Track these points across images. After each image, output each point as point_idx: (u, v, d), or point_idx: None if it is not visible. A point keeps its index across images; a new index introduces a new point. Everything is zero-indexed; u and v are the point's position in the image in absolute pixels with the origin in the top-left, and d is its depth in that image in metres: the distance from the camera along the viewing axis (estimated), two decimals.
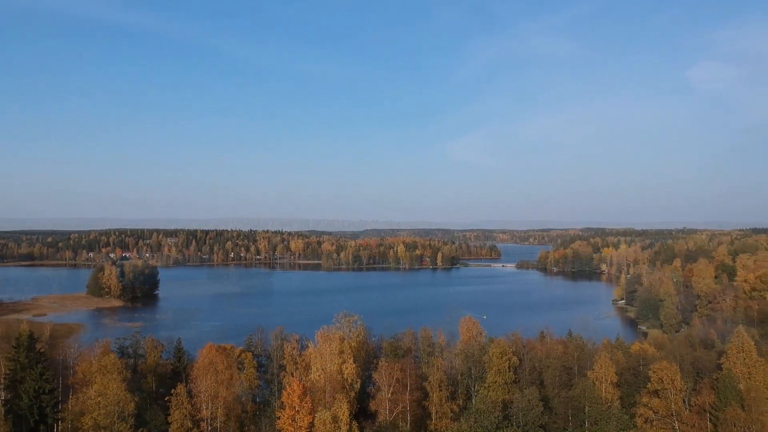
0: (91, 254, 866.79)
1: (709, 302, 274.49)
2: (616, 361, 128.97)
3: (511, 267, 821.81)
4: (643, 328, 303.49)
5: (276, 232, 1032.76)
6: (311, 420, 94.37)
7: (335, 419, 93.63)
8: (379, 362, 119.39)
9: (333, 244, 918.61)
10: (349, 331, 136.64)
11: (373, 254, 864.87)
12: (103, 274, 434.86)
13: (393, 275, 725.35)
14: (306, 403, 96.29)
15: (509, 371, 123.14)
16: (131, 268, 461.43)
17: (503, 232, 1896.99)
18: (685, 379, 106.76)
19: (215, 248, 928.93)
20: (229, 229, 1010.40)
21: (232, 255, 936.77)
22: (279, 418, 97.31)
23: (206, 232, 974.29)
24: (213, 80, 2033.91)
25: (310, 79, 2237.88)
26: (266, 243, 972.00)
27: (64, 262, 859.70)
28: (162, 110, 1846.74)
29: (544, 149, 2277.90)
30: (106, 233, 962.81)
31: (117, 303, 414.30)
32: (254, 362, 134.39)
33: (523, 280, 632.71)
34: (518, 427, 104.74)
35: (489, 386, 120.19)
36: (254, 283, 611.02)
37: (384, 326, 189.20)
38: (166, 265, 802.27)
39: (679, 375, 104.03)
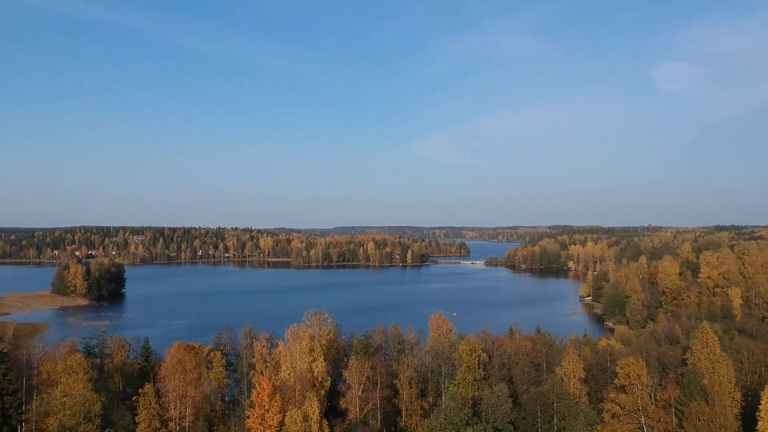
0: (56, 252, 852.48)
1: (674, 298, 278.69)
2: (584, 357, 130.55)
3: (480, 264, 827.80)
4: (610, 324, 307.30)
5: (245, 230, 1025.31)
6: (281, 419, 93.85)
7: (306, 418, 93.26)
8: (350, 360, 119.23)
9: (303, 242, 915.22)
10: (320, 329, 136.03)
11: (343, 252, 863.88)
12: (69, 272, 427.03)
13: (363, 273, 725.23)
14: (276, 401, 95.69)
15: (479, 368, 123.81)
16: (97, 266, 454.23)
17: (472, 229, 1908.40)
18: (651, 375, 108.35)
19: (183, 246, 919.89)
20: (197, 227, 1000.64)
21: (200, 253, 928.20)
22: (248, 417, 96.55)
23: (174, 230, 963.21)
24: (180, 78, 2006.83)
25: (278, 77, 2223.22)
26: (235, 241, 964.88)
27: (28, 261, 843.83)
28: (133, 109, 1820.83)
29: (512, 148, 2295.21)
30: (72, 231, 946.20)
31: (83, 302, 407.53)
32: (223, 361, 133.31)
33: (492, 278, 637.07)
34: (488, 423, 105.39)
35: (459, 383, 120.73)
36: (223, 281, 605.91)
37: (354, 324, 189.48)
38: (133, 263, 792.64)
39: (645, 370, 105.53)
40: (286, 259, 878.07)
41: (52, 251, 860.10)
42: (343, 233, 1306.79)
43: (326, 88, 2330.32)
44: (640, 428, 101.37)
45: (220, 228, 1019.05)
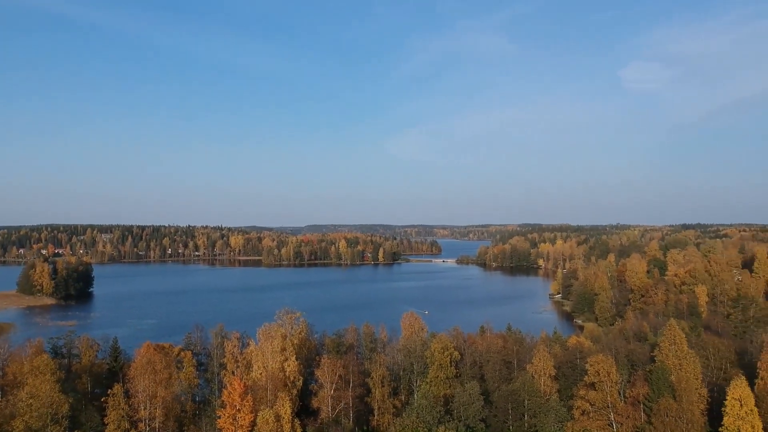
0: (21, 251, 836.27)
1: (642, 296, 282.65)
2: (554, 354, 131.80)
3: (451, 262, 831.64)
4: (579, 321, 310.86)
5: (215, 228, 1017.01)
6: (253, 419, 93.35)
7: (278, 418, 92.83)
8: (322, 359, 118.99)
9: (274, 240, 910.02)
10: (291, 328, 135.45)
11: (314, 250, 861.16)
12: (35, 271, 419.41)
13: (335, 271, 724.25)
14: (247, 401, 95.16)
15: (451, 366, 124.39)
16: (64, 265, 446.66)
17: (444, 228, 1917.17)
18: (620, 372, 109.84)
19: (152, 244, 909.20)
20: (167, 225, 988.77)
21: (169, 251, 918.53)
22: (220, 417, 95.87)
23: (142, 228, 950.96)
24: (150, 76, 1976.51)
25: (251, 75, 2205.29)
26: (205, 239, 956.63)
27: None
28: (103, 107, 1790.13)
29: (483, 146, 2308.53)
30: (38, 229, 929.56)
31: (49, 301, 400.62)
32: (194, 361, 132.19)
33: (463, 275, 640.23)
34: (459, 421, 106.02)
35: (431, 381, 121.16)
36: (193, 279, 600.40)
37: (326, 323, 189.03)
38: (101, 261, 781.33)
39: (614, 367, 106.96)
40: (257, 258, 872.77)
41: (18, 250, 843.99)
42: (314, 231, 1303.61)
43: (299, 86, 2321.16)
44: (609, 425, 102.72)
45: (189, 226, 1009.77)
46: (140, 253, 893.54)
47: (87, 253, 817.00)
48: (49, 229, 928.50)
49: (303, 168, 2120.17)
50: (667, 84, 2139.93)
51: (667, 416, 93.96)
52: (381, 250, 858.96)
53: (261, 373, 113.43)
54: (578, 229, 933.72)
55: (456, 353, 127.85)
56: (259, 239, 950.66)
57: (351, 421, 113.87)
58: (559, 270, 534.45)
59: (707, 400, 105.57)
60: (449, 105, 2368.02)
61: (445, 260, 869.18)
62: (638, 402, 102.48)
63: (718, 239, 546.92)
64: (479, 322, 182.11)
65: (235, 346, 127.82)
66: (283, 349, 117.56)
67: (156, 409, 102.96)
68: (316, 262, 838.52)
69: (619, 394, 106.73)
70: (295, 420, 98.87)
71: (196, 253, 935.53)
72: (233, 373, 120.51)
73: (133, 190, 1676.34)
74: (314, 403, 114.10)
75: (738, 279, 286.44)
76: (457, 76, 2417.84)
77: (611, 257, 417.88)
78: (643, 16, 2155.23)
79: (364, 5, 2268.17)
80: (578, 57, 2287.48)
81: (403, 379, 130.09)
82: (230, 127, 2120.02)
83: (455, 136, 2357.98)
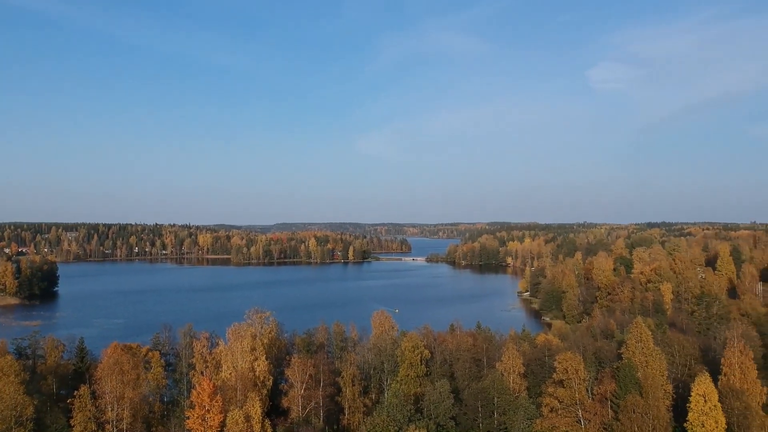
0: None
1: (609, 294, 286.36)
2: (523, 352, 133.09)
3: (421, 260, 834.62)
4: (547, 318, 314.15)
5: (183, 226, 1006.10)
6: (222, 419, 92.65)
7: (247, 418, 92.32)
8: (292, 358, 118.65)
9: (243, 239, 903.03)
10: (261, 327, 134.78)
11: (284, 248, 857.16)
12: None
13: (304, 270, 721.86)
14: (217, 402, 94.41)
15: (421, 364, 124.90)
16: (28, 263, 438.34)
17: (413, 226, 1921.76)
18: (588, 369, 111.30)
19: (118, 243, 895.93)
20: (133, 223, 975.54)
21: (136, 250, 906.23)
22: (188, 417, 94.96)
23: (108, 226, 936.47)
24: (112, 71, 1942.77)
25: (217, 71, 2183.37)
26: (173, 238, 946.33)
27: None
28: (65, 101, 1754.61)
29: (452, 145, 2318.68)
30: (1, 227, 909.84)
31: (13, 301, 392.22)
32: (162, 361, 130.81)
33: (433, 274, 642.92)
34: (430, 419, 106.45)
35: (401, 380, 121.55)
36: (160, 278, 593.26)
37: (296, 322, 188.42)
38: (66, 260, 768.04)
39: (582, 365, 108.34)
40: (225, 256, 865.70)
41: None
42: (284, 230, 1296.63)
43: (267, 84, 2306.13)
44: (577, 421, 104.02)
45: (157, 224, 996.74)
46: (106, 251, 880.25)
47: (52, 251, 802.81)
48: (12, 227, 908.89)
49: (272, 166, 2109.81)
50: (634, 84, 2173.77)
51: (633, 413, 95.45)
52: (351, 249, 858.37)
53: (230, 373, 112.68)
54: (546, 228, 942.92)
55: (426, 352, 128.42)
56: (228, 238, 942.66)
57: (321, 421, 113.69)
58: (528, 268, 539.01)
59: (672, 397, 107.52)
60: (419, 104, 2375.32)
61: (414, 258, 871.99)
62: (606, 399, 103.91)
63: (682, 237, 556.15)
64: (449, 320, 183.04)
65: (204, 346, 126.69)
66: (253, 349, 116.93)
67: (123, 410, 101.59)
68: (286, 260, 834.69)
69: (587, 391, 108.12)
70: (265, 420, 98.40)
71: (164, 251, 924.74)
72: (202, 373, 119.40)
73: (98, 188, 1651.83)
74: (284, 403, 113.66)
75: (702, 277, 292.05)
76: (427, 75, 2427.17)
77: (578, 255, 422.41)
78: (610, 16, 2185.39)
79: (333, 4, 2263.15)
80: (547, 57, 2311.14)
81: (374, 377, 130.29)
82: (198, 125, 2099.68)
83: (425, 135, 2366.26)
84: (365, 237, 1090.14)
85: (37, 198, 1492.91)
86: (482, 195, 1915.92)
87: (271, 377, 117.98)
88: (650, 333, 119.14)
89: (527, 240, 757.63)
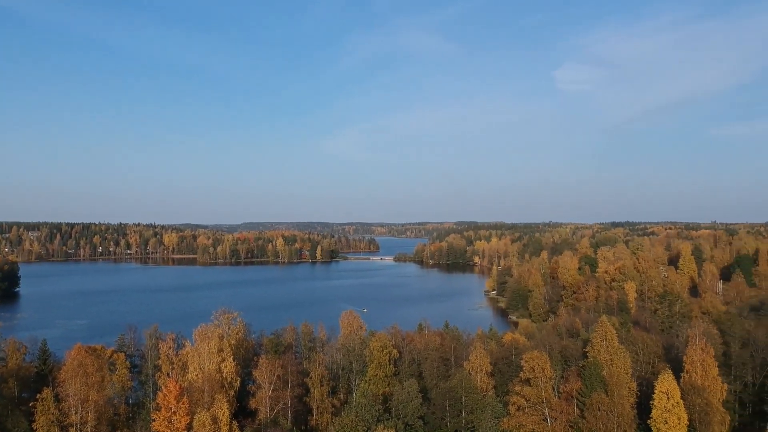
0: None
1: (574, 292, 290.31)
2: (490, 351, 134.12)
3: (389, 260, 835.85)
4: (514, 317, 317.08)
5: (148, 226, 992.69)
6: (189, 421, 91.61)
7: (215, 419, 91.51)
8: (260, 359, 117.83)
9: (209, 238, 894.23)
10: (228, 328, 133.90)
11: (251, 248, 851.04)
12: None
13: (272, 269, 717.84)
14: (183, 403, 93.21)
15: (389, 364, 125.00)
16: None
17: (381, 225, 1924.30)
18: (554, 368, 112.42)
19: (82, 243, 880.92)
20: (97, 223, 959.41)
21: (100, 250, 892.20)
22: (154, 420, 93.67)
23: (71, 226, 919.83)
24: (76, 68, 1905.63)
25: (183, 69, 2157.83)
26: (137, 237, 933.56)
27: None
28: (29, 99, 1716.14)
29: (420, 144, 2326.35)
30: None
31: None
32: (127, 363, 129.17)
33: (401, 273, 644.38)
34: (398, 419, 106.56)
35: (370, 380, 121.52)
36: (125, 278, 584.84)
37: (264, 322, 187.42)
38: (27, 260, 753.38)
39: (548, 364, 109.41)
40: (191, 256, 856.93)
41: None
42: (251, 229, 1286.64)
43: (233, 82, 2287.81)
44: (544, 420, 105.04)
45: (121, 224, 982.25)
46: (69, 251, 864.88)
47: (13, 251, 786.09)
48: None
49: (239, 165, 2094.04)
50: (599, 85, 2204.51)
51: (599, 410, 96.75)
52: (319, 248, 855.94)
53: (197, 375, 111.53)
54: (512, 227, 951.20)
55: (395, 351, 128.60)
56: (194, 237, 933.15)
57: (289, 422, 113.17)
58: (494, 267, 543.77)
59: (637, 394, 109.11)
60: (387, 103, 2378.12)
61: (383, 258, 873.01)
62: (572, 397, 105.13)
63: (645, 237, 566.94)
64: (417, 320, 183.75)
65: (170, 347, 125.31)
66: (220, 350, 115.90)
67: (88, 413, 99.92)
68: (253, 260, 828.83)
69: (553, 389, 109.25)
70: (233, 421, 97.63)
71: (128, 251, 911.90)
72: (168, 374, 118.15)
73: (61, 186, 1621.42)
74: (252, 404, 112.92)
75: (664, 275, 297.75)
76: (395, 75, 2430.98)
77: (544, 254, 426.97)
78: (575, 18, 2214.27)
79: (301, 2, 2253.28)
80: (514, 57, 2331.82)
81: (342, 378, 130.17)
82: (164, 123, 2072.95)
83: (392, 134, 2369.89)
84: (333, 236, 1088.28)
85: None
86: (450, 194, 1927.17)
87: (239, 378, 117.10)
88: (615, 332, 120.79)
89: (494, 239, 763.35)
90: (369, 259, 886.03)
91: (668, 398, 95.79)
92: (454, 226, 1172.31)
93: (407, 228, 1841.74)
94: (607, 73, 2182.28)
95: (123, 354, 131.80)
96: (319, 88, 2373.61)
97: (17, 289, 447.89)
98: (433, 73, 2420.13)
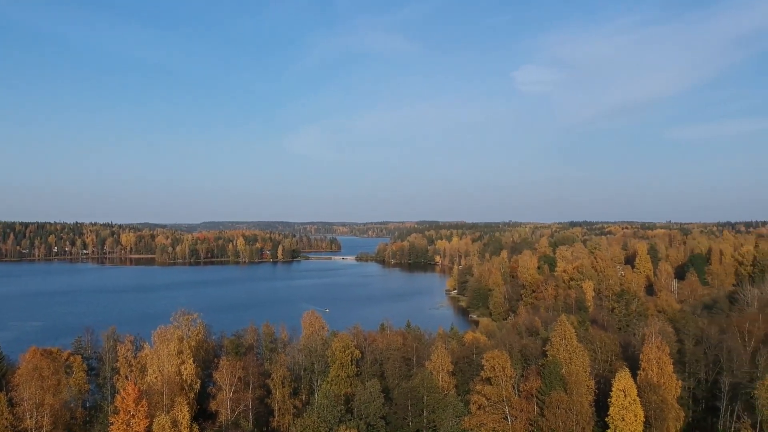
0: None
1: (533, 291, 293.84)
2: (452, 350, 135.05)
3: (351, 259, 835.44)
4: (474, 316, 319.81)
5: (105, 225, 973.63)
6: (148, 424, 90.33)
7: (175, 422, 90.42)
8: (221, 361, 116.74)
9: (168, 238, 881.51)
10: (188, 329, 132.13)
11: (211, 248, 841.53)
12: None
13: (232, 269, 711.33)
14: (142, 406, 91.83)
15: (351, 364, 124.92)
16: None
17: (343, 225, 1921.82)
18: (515, 366, 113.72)
19: (36, 242, 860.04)
20: (52, 222, 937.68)
21: (55, 249, 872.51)
22: (113, 423, 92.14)
23: (26, 225, 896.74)
24: (26, 63, 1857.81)
25: (142, 66, 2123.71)
26: (94, 237, 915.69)
27: None
28: None
29: (382, 144, 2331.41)
30: None
31: None
32: (84, 366, 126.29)
33: (363, 272, 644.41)
34: (360, 419, 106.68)
35: (332, 380, 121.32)
36: (81, 279, 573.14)
37: (225, 323, 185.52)
38: None
39: (509, 362, 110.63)
40: (150, 256, 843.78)
41: None
42: (211, 228, 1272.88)
43: (193, 80, 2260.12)
44: (504, 418, 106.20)
45: (77, 223, 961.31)
46: (23, 251, 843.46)
47: None
48: None
49: (199, 163, 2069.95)
50: (557, 87, 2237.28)
51: (558, 408, 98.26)
52: (280, 248, 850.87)
53: (156, 377, 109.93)
54: (473, 227, 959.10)
55: (357, 351, 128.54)
56: (153, 237, 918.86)
57: (251, 423, 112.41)
58: (455, 266, 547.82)
59: (595, 392, 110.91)
60: (349, 102, 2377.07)
61: (344, 257, 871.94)
62: (531, 395, 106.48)
63: (603, 236, 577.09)
64: (379, 320, 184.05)
65: (128, 349, 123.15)
66: (180, 352, 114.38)
67: (43, 417, 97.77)
68: (213, 260, 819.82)
69: (514, 388, 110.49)
70: (193, 424, 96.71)
71: (85, 251, 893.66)
72: (127, 377, 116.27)
73: (14, 184, 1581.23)
74: (213, 406, 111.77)
75: (621, 274, 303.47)
76: (357, 74, 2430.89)
77: (504, 254, 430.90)
78: (535, 20, 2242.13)
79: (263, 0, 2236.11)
80: (475, 58, 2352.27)
81: (304, 378, 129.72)
82: (121, 120, 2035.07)
83: (354, 134, 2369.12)
84: (295, 236, 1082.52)
85: None
86: (411, 194, 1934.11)
87: (199, 380, 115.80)
88: (573, 330, 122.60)
89: (455, 239, 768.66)
90: (331, 258, 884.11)
91: (625, 396, 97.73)
92: (416, 226, 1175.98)
93: (369, 227, 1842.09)
94: (565, 74, 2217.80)
95: (80, 357, 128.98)
96: (281, 87, 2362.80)
97: None
98: (395, 73, 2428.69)
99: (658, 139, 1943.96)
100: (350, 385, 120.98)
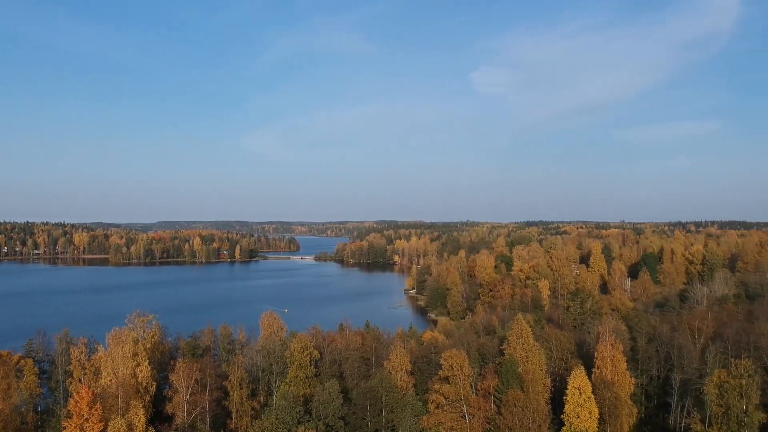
0: None
1: (490, 291, 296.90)
2: (410, 349, 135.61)
3: (309, 259, 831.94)
4: (433, 315, 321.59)
5: (57, 225, 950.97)
6: (102, 428, 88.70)
7: (130, 426, 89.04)
8: (177, 363, 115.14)
9: (122, 238, 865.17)
10: (143, 331, 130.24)
11: (166, 248, 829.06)
12: None
13: (189, 269, 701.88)
14: (96, 410, 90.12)
15: (310, 365, 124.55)
16: None
17: (302, 224, 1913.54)
18: (472, 365, 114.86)
19: None
20: (2, 222, 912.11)
21: (5, 250, 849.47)
22: (65, 428, 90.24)
23: None
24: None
25: (94, 63, 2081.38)
26: (46, 237, 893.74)
27: None
28: None
29: (340, 143, 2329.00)
30: None
31: None
32: (35, 369, 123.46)
33: (321, 272, 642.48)
34: (319, 420, 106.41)
35: (290, 381, 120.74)
36: (32, 280, 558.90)
37: (181, 324, 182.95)
38: None
39: (467, 361, 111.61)
40: (103, 256, 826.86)
41: None
42: (166, 228, 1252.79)
43: (149, 77, 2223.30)
44: (462, 417, 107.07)
45: (28, 222, 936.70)
46: None
47: None
48: None
49: (154, 162, 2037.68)
50: (513, 88, 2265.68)
51: (515, 407, 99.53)
52: (238, 248, 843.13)
53: (111, 380, 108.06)
54: (431, 226, 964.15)
55: (315, 352, 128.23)
56: (106, 236, 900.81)
57: (208, 426, 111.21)
58: (414, 266, 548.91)
59: (551, 390, 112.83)
60: (307, 101, 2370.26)
61: (303, 257, 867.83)
62: (489, 394, 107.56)
63: (558, 236, 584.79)
64: (338, 320, 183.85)
65: (81, 352, 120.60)
66: (135, 354, 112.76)
67: None
68: (169, 260, 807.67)
69: (472, 387, 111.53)
70: (149, 427, 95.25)
71: (36, 251, 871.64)
72: (80, 380, 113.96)
73: None
74: (169, 409, 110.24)
75: (576, 273, 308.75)
76: (315, 73, 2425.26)
77: (462, 253, 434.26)
78: (492, 22, 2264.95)
79: None
80: (433, 58, 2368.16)
81: (262, 380, 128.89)
82: (74, 118, 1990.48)
83: (312, 133, 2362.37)
84: (253, 236, 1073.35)
85: None
86: (370, 193, 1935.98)
87: (155, 383, 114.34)
88: (530, 329, 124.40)
89: (414, 238, 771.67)
90: (289, 258, 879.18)
91: (580, 393, 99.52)
92: (375, 225, 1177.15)
93: (328, 227, 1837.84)
94: (522, 75, 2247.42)
95: (31, 360, 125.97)
96: (239, 85, 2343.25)
97: None
98: (353, 73, 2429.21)
99: (609, 140, 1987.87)
100: (309, 385, 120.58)
